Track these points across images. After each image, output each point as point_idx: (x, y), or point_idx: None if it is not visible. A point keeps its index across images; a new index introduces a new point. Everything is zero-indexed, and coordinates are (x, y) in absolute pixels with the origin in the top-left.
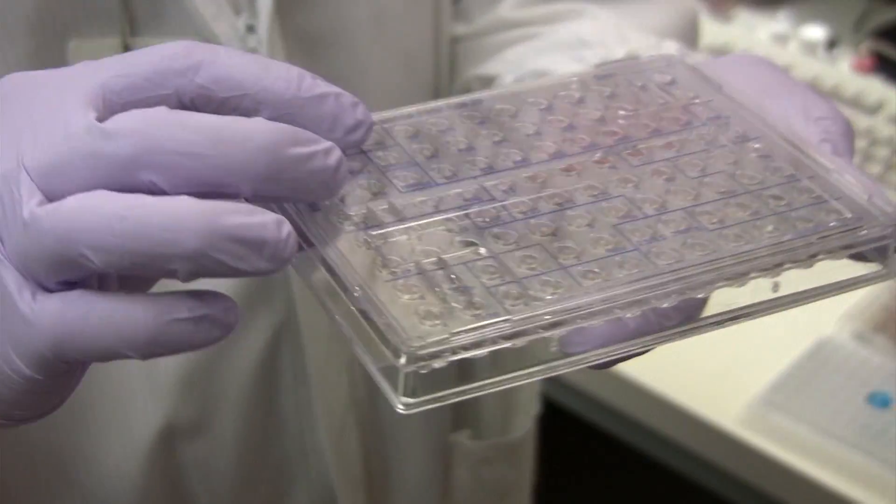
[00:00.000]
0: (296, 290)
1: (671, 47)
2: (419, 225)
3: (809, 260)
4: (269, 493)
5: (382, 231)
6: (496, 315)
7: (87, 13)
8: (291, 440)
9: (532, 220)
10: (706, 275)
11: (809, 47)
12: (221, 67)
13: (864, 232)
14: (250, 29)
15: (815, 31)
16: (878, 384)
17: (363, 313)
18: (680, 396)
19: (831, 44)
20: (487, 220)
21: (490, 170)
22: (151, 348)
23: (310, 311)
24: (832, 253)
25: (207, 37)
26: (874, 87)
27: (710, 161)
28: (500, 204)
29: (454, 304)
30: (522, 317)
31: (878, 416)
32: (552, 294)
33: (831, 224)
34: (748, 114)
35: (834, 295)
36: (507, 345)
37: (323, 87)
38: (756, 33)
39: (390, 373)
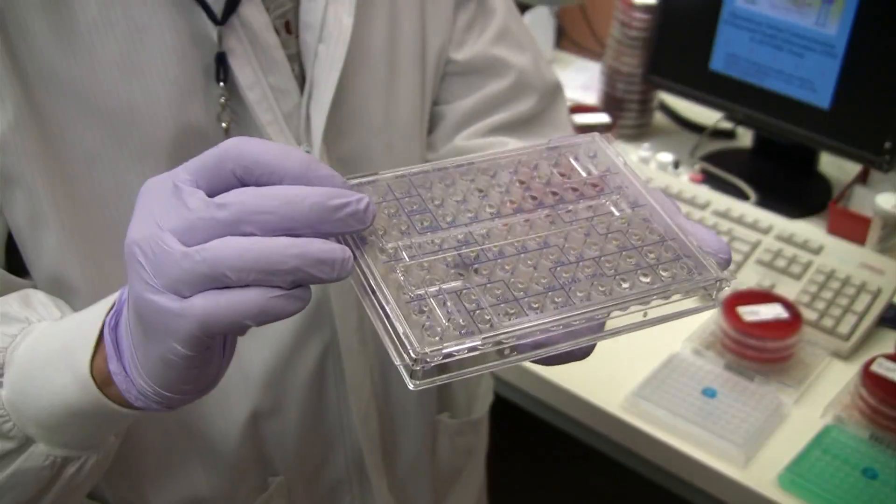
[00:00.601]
0: (337, 323)
1: None
2: (428, 261)
3: (668, 297)
4: (319, 455)
5: (406, 264)
6: (472, 334)
7: (205, 146)
8: (334, 421)
9: (499, 260)
10: (604, 308)
11: (663, 166)
12: (258, 155)
13: (701, 279)
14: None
15: (666, 156)
16: (708, 383)
17: (391, 323)
18: (582, 391)
19: (676, 164)
20: (472, 258)
21: (475, 218)
22: (261, 317)
23: (347, 336)
24: (683, 293)
25: None
26: (703, 192)
27: (612, 222)
28: (480, 248)
29: (447, 324)
30: (489, 335)
31: (708, 403)
32: (508, 319)
33: (683, 276)
34: (636, 185)
35: (682, 317)
36: (478, 353)
37: (324, 170)
38: (628, 157)
39: (406, 366)
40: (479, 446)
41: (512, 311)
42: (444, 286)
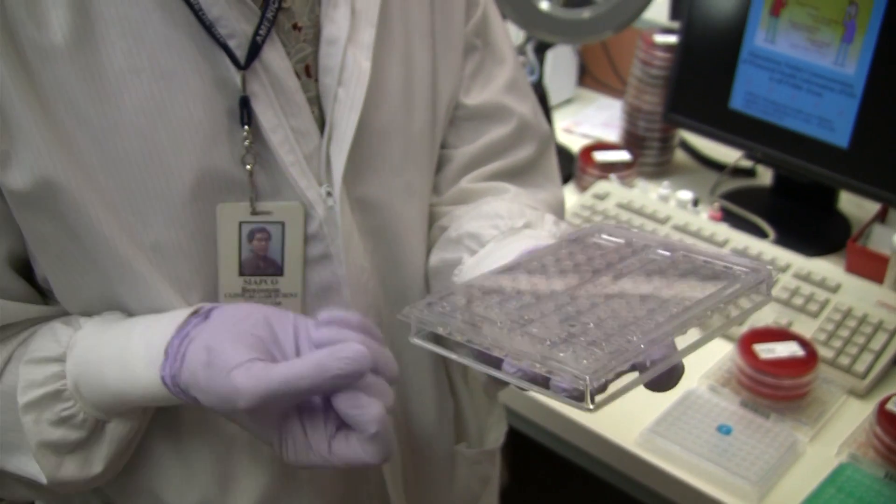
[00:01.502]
0: None
1: (549, 219)
2: (541, 321)
3: (737, 298)
4: (346, 488)
5: (524, 328)
6: (623, 350)
7: (229, 186)
8: None
9: (596, 310)
10: (698, 310)
11: (682, 204)
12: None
13: (758, 276)
14: (329, 194)
15: (686, 194)
16: (723, 420)
17: (549, 366)
18: (598, 426)
19: (695, 202)
20: (573, 313)
21: (554, 293)
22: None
23: None
24: (748, 290)
25: (303, 200)
26: (722, 230)
27: (661, 263)
28: (575, 308)
29: (595, 350)
30: (633, 348)
31: (723, 440)
32: (638, 336)
33: (742, 277)
34: (656, 240)
35: (753, 312)
36: (626, 367)
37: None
38: (649, 195)
39: (578, 395)
40: (493, 474)
41: (637, 331)
42: (570, 331)
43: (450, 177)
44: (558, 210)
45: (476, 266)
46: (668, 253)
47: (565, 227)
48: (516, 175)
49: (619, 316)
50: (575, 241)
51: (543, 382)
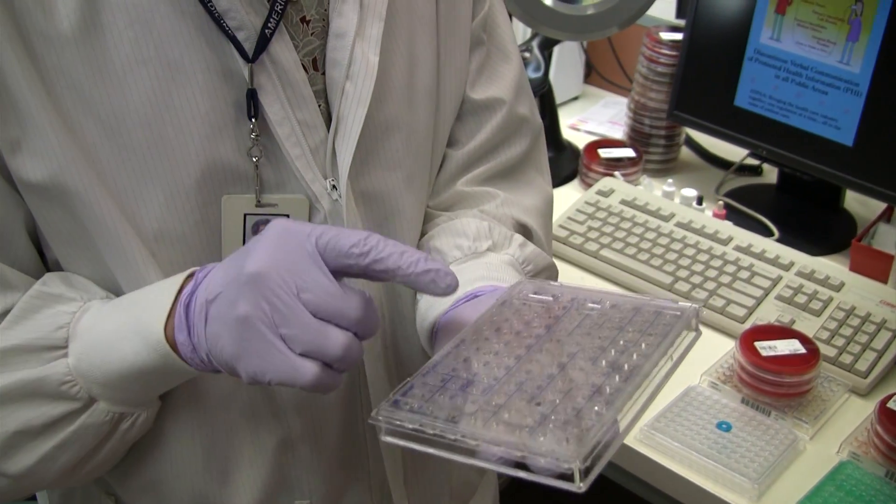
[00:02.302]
0: (364, 360)
1: (516, 241)
2: (509, 407)
3: (670, 341)
4: (345, 479)
5: (497, 416)
6: (595, 425)
7: (234, 178)
8: (360, 445)
9: (555, 382)
10: (648, 366)
11: (687, 201)
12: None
13: (688, 314)
14: (334, 187)
15: (690, 192)
16: (723, 416)
17: (535, 454)
18: None
19: (700, 200)
20: (536, 389)
21: (509, 369)
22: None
23: (372, 362)
24: (682, 330)
25: (308, 194)
26: (726, 227)
27: (595, 318)
28: (536, 384)
29: (573, 429)
30: (604, 420)
31: (723, 437)
32: (603, 407)
33: (673, 319)
34: (581, 291)
35: (689, 351)
36: (606, 439)
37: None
38: (653, 192)
39: (567, 476)
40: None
41: (600, 403)
42: (540, 411)
43: (447, 177)
44: (546, 209)
45: None
46: (597, 305)
47: (530, 251)
48: (510, 172)
49: (579, 385)
50: (504, 304)
51: (524, 465)
